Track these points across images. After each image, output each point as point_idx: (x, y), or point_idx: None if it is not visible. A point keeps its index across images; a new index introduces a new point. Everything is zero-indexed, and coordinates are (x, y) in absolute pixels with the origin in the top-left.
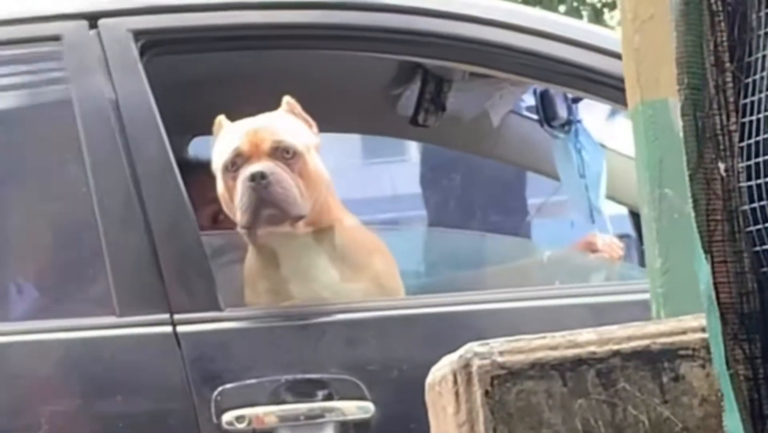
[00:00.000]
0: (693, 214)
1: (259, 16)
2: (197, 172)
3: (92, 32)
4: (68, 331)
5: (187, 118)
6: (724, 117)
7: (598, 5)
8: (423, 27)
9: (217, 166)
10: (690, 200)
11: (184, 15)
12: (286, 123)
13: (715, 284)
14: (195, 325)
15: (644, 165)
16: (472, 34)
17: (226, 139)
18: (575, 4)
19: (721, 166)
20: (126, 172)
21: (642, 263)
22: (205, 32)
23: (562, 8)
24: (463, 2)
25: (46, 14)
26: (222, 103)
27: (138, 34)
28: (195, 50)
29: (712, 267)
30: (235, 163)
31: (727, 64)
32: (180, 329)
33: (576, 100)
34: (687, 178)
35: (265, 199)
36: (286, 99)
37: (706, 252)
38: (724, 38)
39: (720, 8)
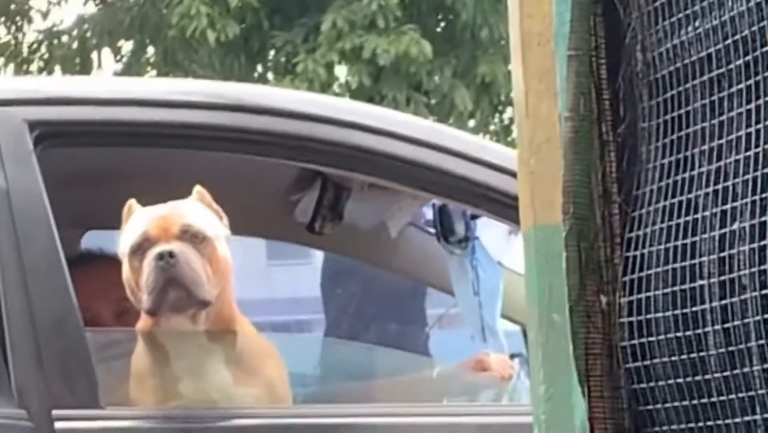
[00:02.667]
0: (571, 347)
1: (158, 113)
2: (92, 266)
3: None
4: None
5: (81, 211)
6: (608, 250)
7: (507, 122)
8: (323, 135)
9: (124, 250)
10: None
11: (82, 108)
12: (196, 210)
13: (590, 419)
14: (73, 422)
15: (533, 289)
16: (372, 145)
17: (135, 223)
18: (488, 119)
19: (603, 299)
20: (13, 263)
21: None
22: (102, 127)
23: (471, 122)
24: (366, 113)
25: None
26: (118, 198)
27: (33, 125)
28: (91, 144)
29: (589, 402)
30: (142, 246)
31: (615, 196)
32: (58, 425)
33: (474, 217)
34: (567, 310)
35: (172, 279)
36: (197, 189)
37: (582, 386)
38: (614, 169)
39: (611, 138)
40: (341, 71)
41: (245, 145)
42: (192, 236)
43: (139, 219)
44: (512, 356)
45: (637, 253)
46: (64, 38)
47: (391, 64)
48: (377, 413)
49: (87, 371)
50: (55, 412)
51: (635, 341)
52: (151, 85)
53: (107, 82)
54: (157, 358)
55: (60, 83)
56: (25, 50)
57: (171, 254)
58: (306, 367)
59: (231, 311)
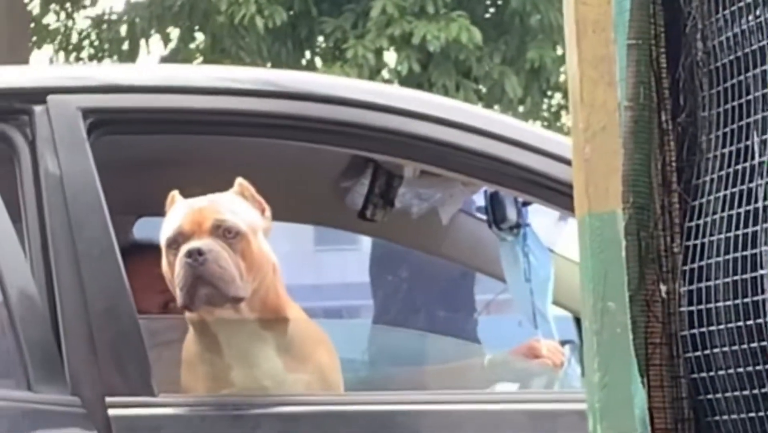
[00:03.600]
0: (631, 336)
1: (210, 101)
2: (139, 256)
3: (41, 108)
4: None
5: (133, 198)
6: (668, 239)
7: (555, 108)
8: (375, 122)
9: (162, 243)
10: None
11: (135, 96)
12: (233, 204)
13: (650, 408)
14: (127, 409)
15: (588, 277)
16: (424, 132)
17: (172, 216)
18: (539, 105)
19: (663, 288)
20: (66, 250)
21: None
22: (154, 114)
23: (521, 108)
24: (418, 100)
25: None
26: (170, 185)
27: (87, 113)
28: (144, 131)
29: (648, 391)
30: (176, 241)
31: (675, 185)
32: (111, 412)
33: (526, 204)
34: (626, 299)
35: (201, 277)
36: (239, 180)
37: (642, 376)
38: (673, 158)
39: (670, 127)
40: (390, 57)
41: (297, 133)
42: (225, 231)
43: (176, 212)
44: (563, 343)
45: (697, 242)
46: (113, 24)
47: (441, 50)
48: (429, 399)
49: (140, 358)
50: (108, 399)
51: (695, 331)
52: (203, 73)
53: (160, 69)
54: (208, 345)
55: (113, 71)
56: (75, 37)
57: (200, 252)
58: (354, 353)
59: (278, 298)
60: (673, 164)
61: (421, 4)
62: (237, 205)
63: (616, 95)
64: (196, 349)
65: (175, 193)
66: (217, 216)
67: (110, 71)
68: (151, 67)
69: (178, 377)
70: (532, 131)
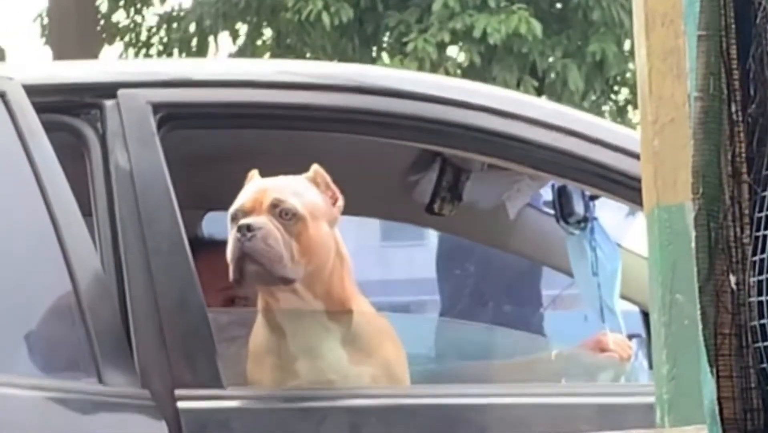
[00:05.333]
0: (700, 327)
1: (279, 95)
2: (209, 249)
3: (111, 102)
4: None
5: (202, 193)
6: (738, 229)
7: (622, 102)
8: (443, 116)
9: (228, 218)
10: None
11: (204, 90)
12: (300, 187)
13: (719, 399)
14: (196, 401)
15: (657, 269)
16: (492, 126)
17: (242, 192)
18: (600, 100)
19: (733, 279)
20: (136, 244)
21: (651, 364)
22: (224, 109)
23: (585, 104)
24: (485, 94)
25: (67, 83)
26: (238, 180)
27: (157, 107)
28: (213, 126)
29: (717, 382)
30: (236, 217)
31: (745, 176)
32: (180, 404)
33: (593, 198)
34: (696, 289)
35: (248, 253)
36: (314, 167)
37: (711, 366)
38: (743, 149)
39: (740, 118)
40: (452, 52)
41: (365, 127)
42: (282, 212)
43: (246, 189)
44: (630, 337)
45: (767, 232)
46: (182, 22)
47: (502, 43)
48: (496, 393)
49: (209, 351)
50: (177, 392)
51: (765, 321)
52: (272, 67)
53: (229, 63)
54: (273, 336)
55: (183, 65)
56: (144, 34)
57: (249, 228)
58: (421, 347)
59: (343, 290)
60: (743, 155)
61: None
62: (304, 189)
63: (684, 88)
64: (262, 340)
65: (254, 172)
66: (276, 196)
67: (180, 66)
68: (221, 61)
69: (245, 370)
70: (600, 124)
